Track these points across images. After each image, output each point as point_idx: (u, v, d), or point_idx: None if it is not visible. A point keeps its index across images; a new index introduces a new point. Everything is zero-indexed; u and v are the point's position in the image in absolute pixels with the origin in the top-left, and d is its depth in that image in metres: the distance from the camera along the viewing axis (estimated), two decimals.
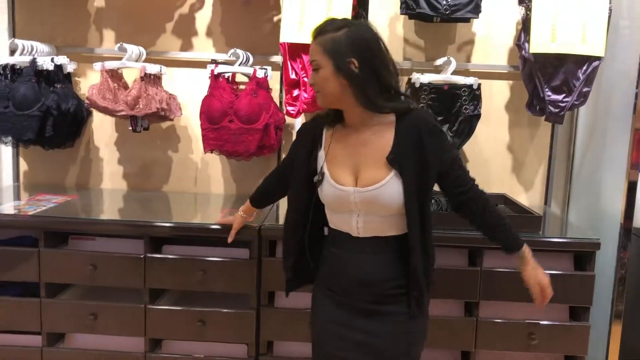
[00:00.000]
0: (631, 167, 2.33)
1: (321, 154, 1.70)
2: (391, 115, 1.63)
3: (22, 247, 2.33)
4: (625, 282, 2.35)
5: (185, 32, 2.84)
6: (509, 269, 2.24)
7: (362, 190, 1.61)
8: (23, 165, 2.97)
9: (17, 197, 2.73)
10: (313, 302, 1.83)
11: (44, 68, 2.57)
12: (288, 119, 2.72)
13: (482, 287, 2.26)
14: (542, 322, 2.27)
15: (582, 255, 2.28)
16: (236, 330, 2.32)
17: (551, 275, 2.19)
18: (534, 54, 2.45)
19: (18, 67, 2.59)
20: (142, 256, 2.28)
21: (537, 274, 1.76)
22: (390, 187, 1.59)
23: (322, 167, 1.68)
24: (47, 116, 2.53)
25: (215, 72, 2.51)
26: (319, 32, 1.60)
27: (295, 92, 2.55)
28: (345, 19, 1.64)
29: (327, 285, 1.75)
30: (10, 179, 2.97)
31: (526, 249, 1.75)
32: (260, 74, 2.51)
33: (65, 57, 2.69)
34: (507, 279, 2.24)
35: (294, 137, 1.87)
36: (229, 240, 2.18)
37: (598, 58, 2.44)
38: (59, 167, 2.96)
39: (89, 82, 2.83)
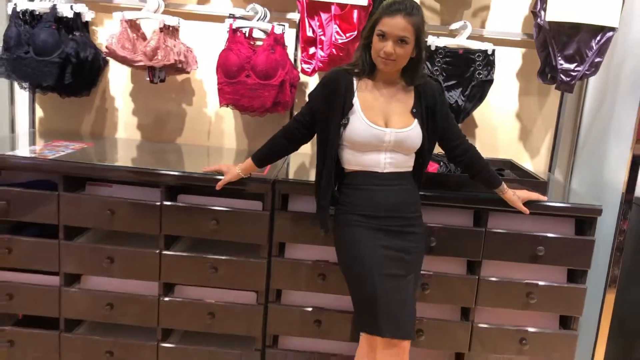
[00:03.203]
0: (637, 141, 2.40)
1: (355, 99, 1.98)
2: None
3: (43, 190, 2.39)
4: (622, 250, 2.44)
5: None
6: (512, 231, 2.33)
7: (398, 131, 1.96)
8: (39, 112, 3.01)
9: (32, 142, 2.77)
10: (346, 230, 2.03)
11: (64, 15, 2.59)
12: (302, 77, 2.77)
13: (485, 247, 2.35)
14: (540, 283, 2.36)
15: (584, 221, 2.36)
16: (247, 278, 2.41)
17: (553, 238, 2.32)
18: (550, 22, 2.48)
19: (37, 12, 2.61)
20: (158, 203, 2.35)
21: (519, 195, 2.25)
22: (416, 131, 2.00)
23: (359, 110, 1.98)
24: (67, 63, 2.57)
25: (234, 27, 2.53)
26: (408, 12, 1.87)
27: (312, 50, 2.59)
28: (412, 3, 1.92)
29: (361, 214, 2.01)
30: (26, 125, 3.02)
31: (504, 183, 2.22)
32: (278, 30, 2.54)
33: (84, 5, 2.70)
34: (510, 240, 2.33)
35: (313, 91, 2.10)
36: (217, 187, 2.27)
37: (612, 29, 2.48)
38: (75, 115, 3.00)
39: (105, 32, 2.86)
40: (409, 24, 1.86)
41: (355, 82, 2.00)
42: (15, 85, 2.89)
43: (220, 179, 2.27)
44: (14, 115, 3.03)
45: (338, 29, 2.49)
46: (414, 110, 2.00)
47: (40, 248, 2.42)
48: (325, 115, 2.00)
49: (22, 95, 2.98)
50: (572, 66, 2.56)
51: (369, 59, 1.97)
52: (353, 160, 2.02)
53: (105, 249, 2.40)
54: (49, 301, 2.45)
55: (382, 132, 1.95)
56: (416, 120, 2.00)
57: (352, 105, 1.97)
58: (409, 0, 1.90)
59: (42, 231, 2.49)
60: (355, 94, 1.98)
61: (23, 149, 2.57)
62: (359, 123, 1.95)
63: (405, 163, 2.04)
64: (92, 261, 2.41)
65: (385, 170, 2.00)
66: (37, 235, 2.47)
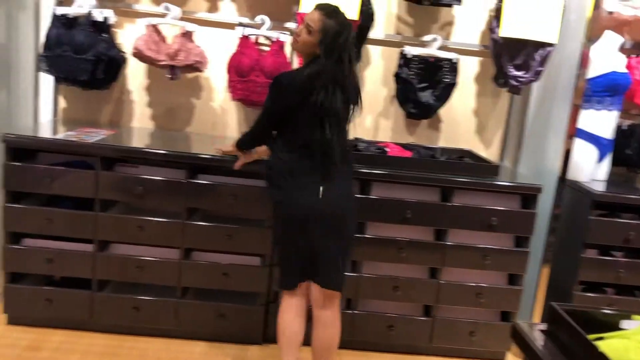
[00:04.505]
0: (568, 137, 3.01)
1: None
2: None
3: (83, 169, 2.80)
4: (558, 220, 3.05)
5: None
6: (471, 205, 2.90)
7: None
8: (62, 103, 3.39)
9: (55, 130, 3.16)
10: None
11: (96, 19, 3.00)
12: None
13: (450, 218, 2.92)
14: (494, 247, 2.94)
15: (528, 197, 2.95)
16: (255, 243, 2.88)
17: (504, 211, 2.89)
18: (503, 38, 3.06)
19: (70, 16, 3.01)
20: (184, 181, 2.80)
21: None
22: None
23: None
24: (99, 61, 2.98)
25: (246, 34, 3.01)
26: (324, 12, 2.27)
27: None
28: (336, 10, 2.31)
29: None
30: (49, 114, 3.39)
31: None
32: (283, 38, 3.03)
33: (111, 10, 3.11)
34: (470, 212, 2.90)
35: None
36: (236, 167, 2.71)
37: (552, 44, 3.08)
38: (94, 106, 3.40)
39: (125, 34, 3.28)
40: (319, 20, 2.25)
41: None
42: (40, 78, 3.28)
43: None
44: (37, 106, 3.40)
45: None
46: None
47: (78, 219, 2.83)
48: None
49: (46, 88, 3.34)
50: (520, 73, 3.15)
51: None
52: None
53: (136, 220, 2.83)
54: (84, 265, 2.87)
55: None
56: None
57: None
58: (334, 5, 2.32)
59: (74, 204, 2.89)
60: None
61: (61, 135, 2.95)
62: None
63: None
64: (124, 230, 2.84)
65: None
66: (70, 207, 2.88)
